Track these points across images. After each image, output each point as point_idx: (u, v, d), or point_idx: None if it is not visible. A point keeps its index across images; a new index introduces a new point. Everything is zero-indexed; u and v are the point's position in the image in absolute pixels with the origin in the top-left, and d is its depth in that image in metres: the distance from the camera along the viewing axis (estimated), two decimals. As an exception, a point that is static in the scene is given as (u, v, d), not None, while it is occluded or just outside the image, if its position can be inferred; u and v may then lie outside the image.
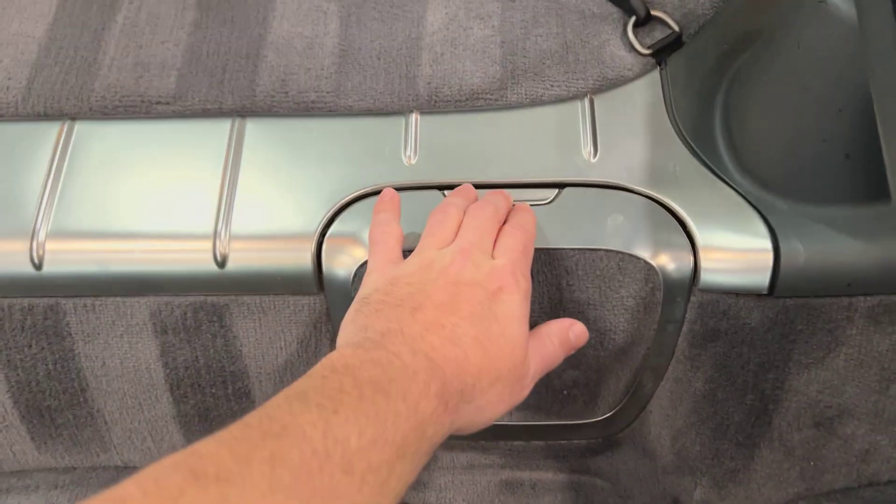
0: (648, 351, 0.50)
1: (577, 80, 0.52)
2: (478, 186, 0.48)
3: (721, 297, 0.46)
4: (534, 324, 0.42)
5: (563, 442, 0.59)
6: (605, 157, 0.49)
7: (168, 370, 0.52)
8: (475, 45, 0.54)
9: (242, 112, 0.52)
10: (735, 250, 0.46)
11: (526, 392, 0.40)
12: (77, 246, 0.48)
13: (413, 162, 0.49)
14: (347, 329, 0.38)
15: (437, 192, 0.48)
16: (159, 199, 0.49)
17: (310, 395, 0.30)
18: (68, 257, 0.48)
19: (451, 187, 0.48)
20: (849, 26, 0.40)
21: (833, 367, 0.49)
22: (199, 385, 0.53)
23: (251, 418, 0.29)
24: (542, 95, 0.52)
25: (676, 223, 0.47)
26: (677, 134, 0.50)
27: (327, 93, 0.52)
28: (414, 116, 0.51)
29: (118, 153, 0.51)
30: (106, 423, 0.55)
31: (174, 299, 0.49)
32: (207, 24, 0.56)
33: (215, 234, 0.48)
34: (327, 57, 0.54)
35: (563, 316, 0.44)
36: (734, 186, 0.47)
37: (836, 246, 0.45)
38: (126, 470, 0.60)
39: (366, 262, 0.46)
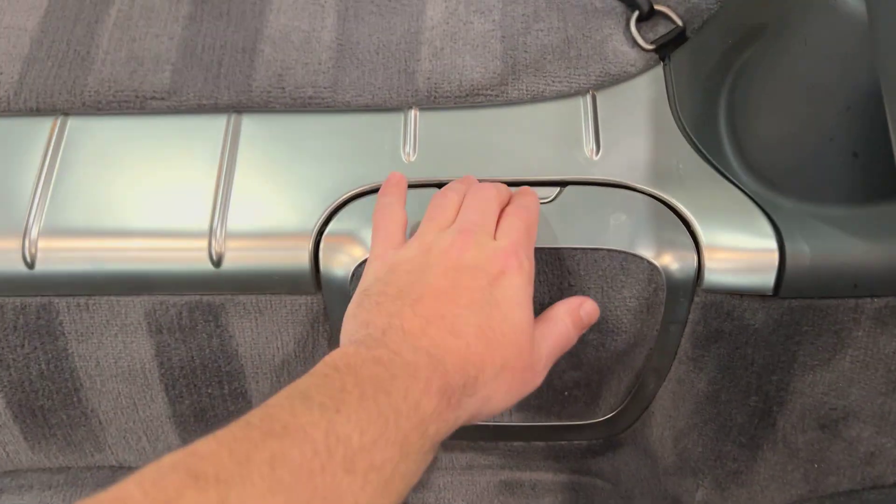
0: (651, 352, 0.50)
1: (579, 75, 0.51)
2: (478, 184, 0.47)
3: (725, 297, 0.46)
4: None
5: (563, 442, 0.58)
6: (608, 154, 0.48)
7: (163, 370, 0.51)
8: (475, 40, 0.53)
9: (238, 108, 0.51)
10: (740, 250, 0.45)
11: (539, 379, 0.38)
12: (70, 244, 0.47)
13: (412, 159, 0.49)
14: (349, 325, 0.37)
15: (436, 190, 0.48)
16: (154, 196, 0.48)
17: (311, 394, 0.30)
18: (61, 255, 0.47)
19: (450, 185, 0.47)
20: (858, 21, 0.39)
21: (839, 369, 0.48)
22: (195, 385, 0.52)
23: (252, 417, 0.29)
24: (543, 91, 0.51)
25: (680, 222, 0.46)
26: (681, 131, 0.49)
27: (324, 88, 0.51)
28: (413, 112, 0.50)
29: (112, 149, 0.50)
30: (100, 422, 0.54)
31: (169, 298, 0.48)
32: (202, 18, 0.55)
33: (211, 233, 0.47)
34: (324, 51, 0.53)
35: None
36: (739, 185, 0.46)
37: (842, 246, 0.44)
38: (121, 470, 0.59)
39: (364, 261, 0.45)
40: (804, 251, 0.44)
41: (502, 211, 0.42)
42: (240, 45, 0.53)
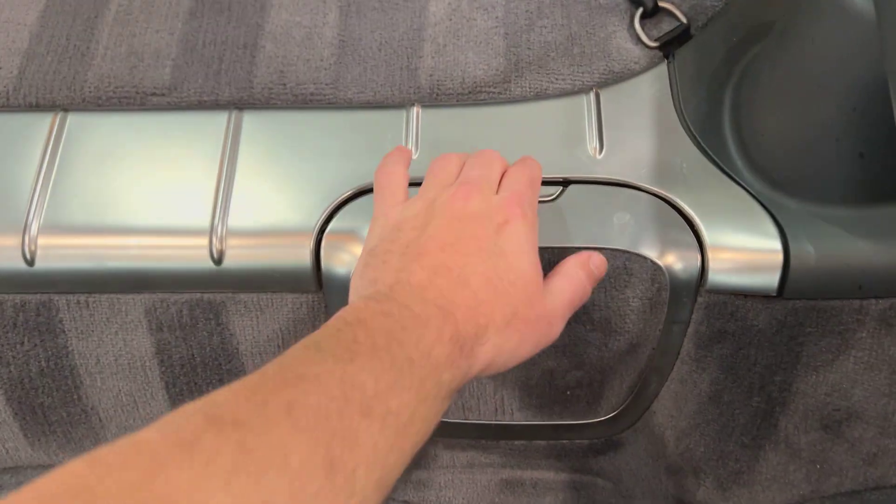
0: (653, 351, 0.49)
1: (583, 73, 0.51)
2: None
3: (729, 298, 0.45)
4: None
5: (564, 441, 0.58)
6: (611, 152, 0.48)
7: (164, 368, 0.51)
8: (478, 37, 0.53)
9: (239, 104, 0.51)
10: (744, 250, 0.45)
11: (556, 330, 0.38)
12: (70, 241, 0.47)
13: (414, 156, 0.48)
14: (357, 283, 0.38)
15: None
16: (154, 193, 0.48)
17: (324, 346, 0.30)
18: (61, 253, 0.47)
19: (452, 183, 0.47)
20: (865, 21, 0.39)
21: (842, 370, 0.48)
22: (196, 383, 0.52)
23: (267, 368, 0.29)
24: (546, 89, 0.51)
25: (684, 222, 0.46)
26: (685, 130, 0.48)
27: (326, 85, 0.51)
28: (415, 110, 0.50)
29: (112, 146, 0.50)
30: (100, 420, 0.54)
31: (170, 296, 0.48)
32: (203, 13, 0.55)
33: (211, 230, 0.46)
34: (326, 48, 0.53)
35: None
36: (743, 185, 0.46)
37: (847, 247, 0.44)
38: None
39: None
40: (809, 252, 0.43)
41: (504, 173, 0.42)
42: (241, 41, 0.53)
